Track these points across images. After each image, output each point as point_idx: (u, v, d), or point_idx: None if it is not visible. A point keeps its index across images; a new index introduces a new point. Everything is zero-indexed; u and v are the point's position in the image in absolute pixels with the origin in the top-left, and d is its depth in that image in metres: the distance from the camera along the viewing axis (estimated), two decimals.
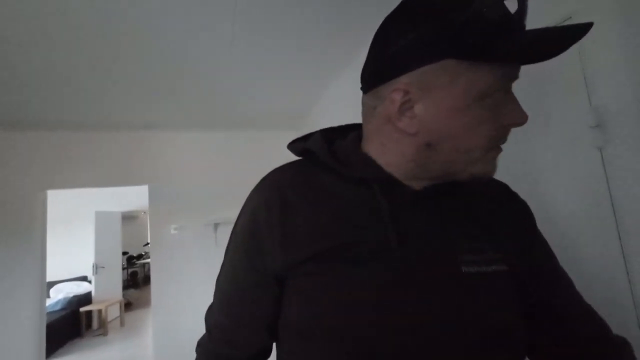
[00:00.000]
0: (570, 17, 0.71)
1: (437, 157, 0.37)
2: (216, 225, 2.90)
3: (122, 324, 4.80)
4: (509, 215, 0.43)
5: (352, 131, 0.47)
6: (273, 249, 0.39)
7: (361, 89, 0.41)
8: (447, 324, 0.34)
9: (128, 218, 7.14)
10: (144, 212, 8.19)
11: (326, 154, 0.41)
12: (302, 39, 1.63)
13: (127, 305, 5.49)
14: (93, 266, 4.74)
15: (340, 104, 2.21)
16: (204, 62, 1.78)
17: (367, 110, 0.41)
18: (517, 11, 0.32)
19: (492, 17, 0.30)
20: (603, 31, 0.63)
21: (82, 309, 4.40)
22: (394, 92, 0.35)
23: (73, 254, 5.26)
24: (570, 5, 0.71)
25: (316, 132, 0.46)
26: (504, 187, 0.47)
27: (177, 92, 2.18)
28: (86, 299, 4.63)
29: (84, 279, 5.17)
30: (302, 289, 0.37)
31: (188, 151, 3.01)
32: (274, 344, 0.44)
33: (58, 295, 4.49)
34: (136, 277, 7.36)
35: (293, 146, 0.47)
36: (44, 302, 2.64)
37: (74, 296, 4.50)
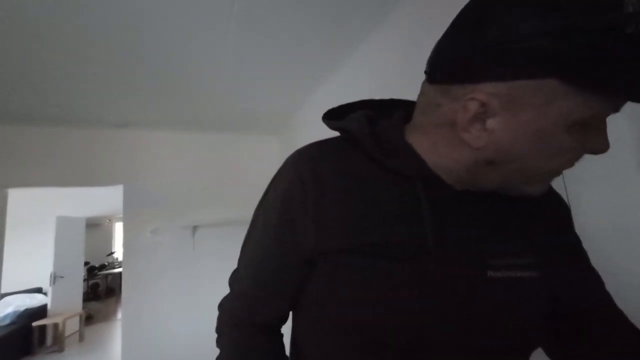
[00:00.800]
0: None
1: (496, 175, 0.34)
2: (194, 229, 2.81)
3: (81, 338, 4.40)
4: (546, 213, 0.40)
5: (397, 109, 0.43)
6: (306, 232, 0.38)
7: (425, 72, 0.35)
8: (462, 327, 0.33)
9: (91, 226, 6.67)
10: (109, 220, 7.69)
11: (369, 140, 0.38)
12: (289, 42, 1.64)
13: (88, 319, 5.06)
14: (51, 276, 4.35)
15: (326, 109, 2.26)
16: (186, 60, 1.74)
17: (429, 103, 0.35)
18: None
19: (630, 33, 0.23)
20: None
21: (34, 324, 3.99)
22: (470, 100, 0.30)
23: (27, 263, 4.80)
24: None
25: (357, 105, 0.44)
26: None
27: (155, 90, 2.11)
28: (40, 312, 4.21)
29: (38, 290, 4.71)
30: (332, 279, 0.37)
31: (166, 151, 2.92)
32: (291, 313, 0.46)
33: (6, 309, 4.05)
34: (97, 289, 6.83)
35: (329, 121, 0.44)
36: None
37: (26, 309, 4.08)
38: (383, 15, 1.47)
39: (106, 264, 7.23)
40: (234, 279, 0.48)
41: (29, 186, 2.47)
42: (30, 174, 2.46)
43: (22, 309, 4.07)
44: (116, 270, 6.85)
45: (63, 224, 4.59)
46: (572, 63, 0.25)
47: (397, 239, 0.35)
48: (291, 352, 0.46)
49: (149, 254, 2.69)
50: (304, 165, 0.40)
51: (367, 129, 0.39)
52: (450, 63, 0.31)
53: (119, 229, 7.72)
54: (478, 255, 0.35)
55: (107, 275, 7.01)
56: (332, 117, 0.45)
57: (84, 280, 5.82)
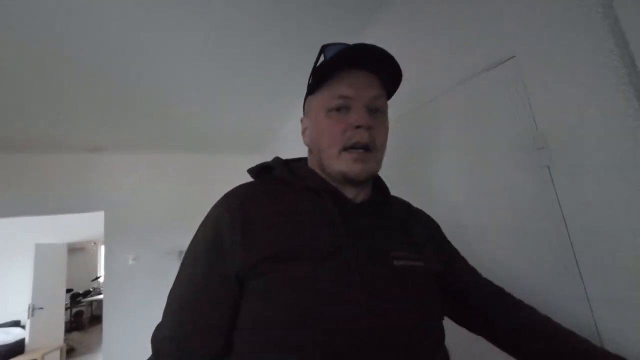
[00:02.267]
0: (514, 56, 0.78)
1: (318, 159, 0.53)
2: (180, 253, 2.70)
3: None
4: (419, 225, 0.58)
5: (304, 159, 0.60)
6: (234, 249, 0.43)
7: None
8: (390, 302, 0.42)
9: (74, 250, 6.40)
10: (94, 243, 7.41)
11: (283, 167, 0.54)
12: (270, 56, 1.57)
13: (69, 352, 4.78)
14: (29, 308, 4.11)
15: None
16: (162, 79, 1.67)
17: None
18: (338, 54, 0.48)
19: (322, 64, 0.51)
20: (545, 68, 0.72)
21: None
22: (301, 123, 0.59)
23: (4, 295, 4.54)
24: (515, 45, 0.78)
25: (273, 159, 0.58)
26: (407, 205, 0.64)
27: (131, 112, 2.02)
28: (17, 348, 3.95)
29: (16, 324, 4.44)
30: (265, 286, 0.41)
31: (146, 174, 2.84)
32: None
33: None
34: (81, 318, 6.48)
35: (252, 169, 0.57)
36: None
37: (1, 346, 3.82)
38: (364, 24, 1.40)
39: (91, 289, 6.90)
40: (157, 332, 0.46)
41: (6, 216, 2.35)
42: (6, 203, 2.34)
43: None
44: (101, 296, 6.55)
45: (43, 251, 4.39)
46: (309, 87, 0.54)
47: (318, 241, 0.43)
48: None
49: (131, 282, 2.57)
50: (229, 199, 0.48)
51: (282, 164, 0.55)
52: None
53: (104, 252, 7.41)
54: (383, 250, 0.46)
55: (91, 302, 6.69)
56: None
57: (67, 308, 5.54)
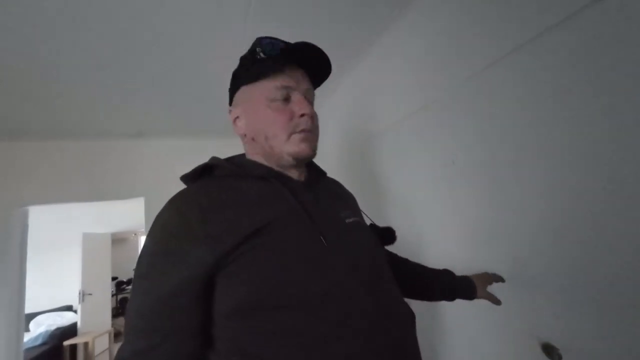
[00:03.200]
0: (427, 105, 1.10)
1: (263, 146, 0.55)
2: None
3: (111, 357, 4.33)
4: (348, 197, 0.71)
5: (238, 156, 0.63)
6: (199, 250, 0.43)
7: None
8: (355, 250, 0.51)
9: (117, 241, 6.71)
10: (135, 234, 7.75)
11: (227, 164, 0.54)
12: (309, 33, 1.41)
13: (117, 336, 5.01)
14: (79, 294, 4.32)
15: (343, 110, 2.03)
16: (202, 61, 1.57)
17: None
18: (285, 47, 0.54)
19: (261, 55, 0.54)
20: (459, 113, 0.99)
21: (65, 343, 3.95)
22: (230, 113, 0.61)
23: (56, 281, 4.82)
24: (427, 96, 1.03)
25: (209, 159, 0.59)
26: (337, 182, 0.73)
27: (172, 95, 1.95)
28: (71, 331, 4.18)
29: (68, 308, 4.71)
30: (240, 270, 0.43)
31: (188, 160, 2.76)
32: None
33: (38, 328, 4.04)
34: (126, 304, 6.82)
35: (187, 175, 0.58)
36: (21, 337, 2.28)
37: (57, 328, 4.05)
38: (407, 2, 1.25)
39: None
40: (121, 353, 0.43)
41: (49, 203, 2.38)
42: (49, 191, 2.36)
43: (53, 328, 4.05)
44: None
45: (89, 240, 4.58)
46: (243, 76, 0.58)
47: (278, 215, 0.47)
48: None
49: None
50: (177, 202, 0.49)
51: (222, 161, 0.57)
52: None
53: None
54: (333, 212, 0.56)
55: None
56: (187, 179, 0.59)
57: (113, 295, 5.82)
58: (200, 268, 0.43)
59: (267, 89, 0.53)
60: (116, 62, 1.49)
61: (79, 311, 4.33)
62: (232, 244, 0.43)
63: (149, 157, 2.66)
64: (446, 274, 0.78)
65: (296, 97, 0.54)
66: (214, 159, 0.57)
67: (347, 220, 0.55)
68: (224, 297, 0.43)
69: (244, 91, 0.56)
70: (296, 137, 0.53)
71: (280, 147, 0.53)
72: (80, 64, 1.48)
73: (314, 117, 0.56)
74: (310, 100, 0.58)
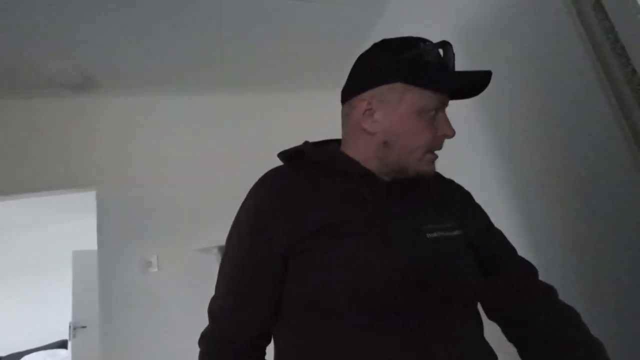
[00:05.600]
0: None
1: (392, 154, 0.50)
2: (220, 249, 1.62)
3: None
4: (452, 194, 0.60)
5: (332, 142, 0.59)
6: (278, 233, 0.46)
7: (341, 102, 0.56)
8: (424, 272, 0.45)
9: None
10: None
11: (316, 153, 0.54)
12: None
13: None
14: (70, 327, 3.49)
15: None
16: None
17: (343, 117, 0.55)
18: (445, 57, 0.49)
19: (430, 60, 0.48)
20: None
21: None
22: (361, 102, 0.51)
23: (47, 312, 4.02)
24: None
25: (303, 143, 0.57)
26: (440, 176, 0.62)
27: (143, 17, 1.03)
28: None
29: (62, 345, 3.89)
30: (307, 263, 0.46)
31: (159, 130, 1.79)
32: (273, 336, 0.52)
33: None
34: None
35: (282, 153, 0.57)
36: None
37: None
38: None
39: None
40: (213, 304, 0.52)
41: None
42: None
43: None
44: None
45: (81, 259, 3.76)
46: (404, 74, 0.48)
47: (353, 218, 0.46)
48: None
49: (150, 302, 1.54)
50: (267, 183, 0.52)
51: (313, 148, 0.55)
52: (348, 87, 0.54)
53: None
54: (416, 224, 0.49)
55: None
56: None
57: None
58: (278, 248, 0.46)
59: (426, 98, 0.48)
60: None
61: (69, 347, 3.49)
62: (301, 235, 0.45)
63: (101, 126, 1.70)
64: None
65: (442, 115, 0.51)
66: (306, 144, 0.55)
67: (428, 235, 0.48)
68: (288, 283, 0.47)
69: (397, 88, 0.48)
70: (429, 156, 0.51)
71: (412, 162, 0.50)
72: None
73: None
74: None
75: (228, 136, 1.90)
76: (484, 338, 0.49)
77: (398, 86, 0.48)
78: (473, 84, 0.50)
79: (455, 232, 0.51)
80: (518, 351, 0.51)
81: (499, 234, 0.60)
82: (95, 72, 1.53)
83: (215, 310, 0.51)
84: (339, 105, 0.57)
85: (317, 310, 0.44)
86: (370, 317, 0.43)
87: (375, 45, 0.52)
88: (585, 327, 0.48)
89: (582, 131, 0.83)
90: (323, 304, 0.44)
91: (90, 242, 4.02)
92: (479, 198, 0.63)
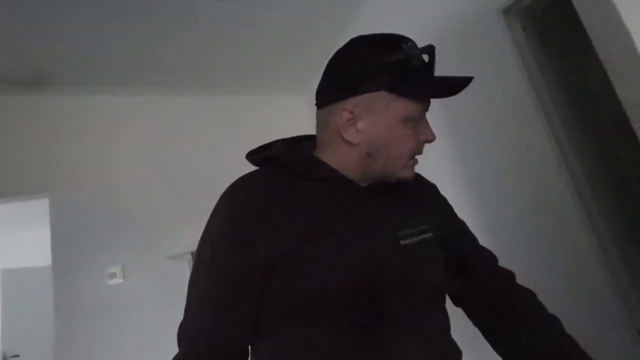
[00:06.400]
0: None
1: (375, 164, 0.49)
2: (193, 255, 1.57)
3: None
4: (426, 194, 0.60)
5: (306, 140, 0.57)
6: (257, 243, 0.44)
7: (316, 104, 0.52)
8: (398, 281, 0.46)
9: None
10: None
11: (289, 158, 0.50)
12: None
13: None
14: (1, 355, 3.04)
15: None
16: None
17: (321, 122, 0.52)
18: (429, 61, 0.47)
19: (415, 65, 0.45)
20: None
21: None
22: (343, 110, 0.47)
23: None
24: None
25: (274, 142, 0.54)
26: (416, 176, 0.59)
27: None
28: None
29: None
30: (292, 273, 0.44)
31: (124, 131, 1.69)
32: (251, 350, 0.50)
33: None
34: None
35: (252, 157, 0.54)
36: None
37: None
38: None
39: None
40: (183, 328, 0.48)
41: None
42: None
43: None
44: None
45: (12, 278, 3.30)
46: (390, 81, 0.45)
47: (333, 227, 0.46)
48: None
49: (117, 316, 1.44)
50: (241, 192, 0.49)
51: (286, 153, 0.50)
52: (326, 90, 0.50)
53: None
54: (391, 230, 0.48)
55: None
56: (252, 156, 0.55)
57: None
58: (258, 261, 0.44)
59: (412, 106, 0.47)
60: None
61: None
62: (281, 247, 0.44)
63: (55, 125, 1.55)
64: None
65: (424, 120, 0.50)
66: (277, 150, 0.51)
67: (402, 242, 0.48)
68: (267, 296, 0.46)
69: (383, 97, 0.46)
70: (411, 162, 0.50)
71: (395, 170, 0.49)
72: None
73: None
74: None
75: (197, 137, 1.86)
76: (450, 335, 0.52)
77: (383, 94, 0.46)
78: (452, 88, 0.48)
79: (428, 235, 0.52)
80: (483, 333, 0.57)
81: (462, 225, 0.63)
82: (48, 67, 1.40)
83: (188, 334, 0.47)
84: (306, 109, 0.58)
85: (296, 319, 0.44)
86: (349, 325, 0.43)
87: (353, 44, 0.49)
88: (542, 305, 0.55)
89: (516, 137, 1.00)
90: (302, 314, 0.44)
91: (22, 258, 3.55)
92: (442, 192, 0.70)
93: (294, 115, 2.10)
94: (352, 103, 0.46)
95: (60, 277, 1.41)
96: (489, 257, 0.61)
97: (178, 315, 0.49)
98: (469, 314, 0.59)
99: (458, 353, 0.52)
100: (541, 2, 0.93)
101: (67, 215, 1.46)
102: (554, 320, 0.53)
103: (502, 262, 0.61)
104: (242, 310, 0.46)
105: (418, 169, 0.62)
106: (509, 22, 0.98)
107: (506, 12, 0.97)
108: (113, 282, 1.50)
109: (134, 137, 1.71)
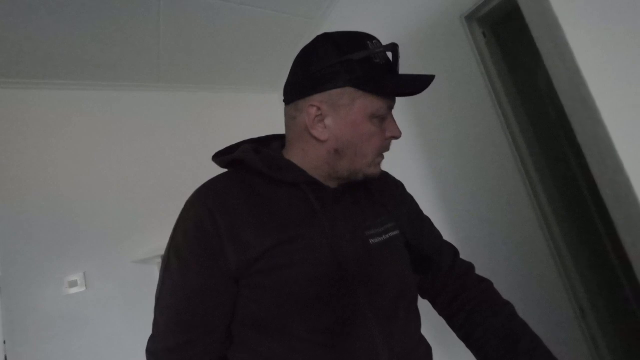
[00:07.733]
0: None
1: (343, 161, 0.49)
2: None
3: None
4: (392, 193, 0.61)
5: (274, 141, 0.57)
6: (226, 252, 0.43)
7: (283, 101, 0.52)
8: (368, 280, 0.47)
9: None
10: None
11: (258, 161, 0.49)
12: None
13: None
14: None
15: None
16: None
17: (289, 119, 0.52)
18: (393, 59, 0.49)
19: (379, 62, 0.47)
20: None
21: None
22: (310, 107, 0.47)
23: None
24: None
25: (242, 143, 0.54)
26: (383, 174, 0.61)
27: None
28: None
29: None
30: (264, 281, 0.44)
31: (80, 128, 1.58)
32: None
33: None
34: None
35: (219, 159, 0.53)
36: None
37: None
38: None
39: None
40: (153, 343, 0.47)
41: None
42: None
43: None
44: None
45: None
46: (355, 78, 0.46)
47: (304, 232, 0.46)
48: None
49: (81, 328, 1.35)
50: (207, 198, 0.47)
51: (254, 155, 0.50)
52: (293, 87, 0.50)
53: None
54: (360, 231, 0.50)
55: None
56: (219, 157, 0.54)
57: None
58: (228, 270, 0.44)
59: (377, 103, 0.47)
60: None
61: None
62: (251, 256, 0.43)
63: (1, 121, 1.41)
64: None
65: (390, 117, 0.51)
66: (244, 153, 0.50)
67: (371, 241, 0.50)
68: (239, 305, 0.46)
69: (348, 93, 0.47)
70: (378, 160, 0.51)
71: (362, 167, 0.50)
72: None
73: None
74: None
75: (163, 135, 1.77)
76: (420, 331, 0.53)
77: (349, 90, 0.46)
78: (416, 87, 0.48)
79: (395, 232, 0.53)
80: (447, 321, 0.60)
81: (427, 222, 0.65)
82: None
83: (159, 349, 0.46)
84: (278, 106, 0.57)
85: (270, 327, 0.44)
86: (323, 333, 0.43)
87: (320, 42, 0.48)
88: (497, 293, 0.59)
89: (477, 136, 1.07)
90: (276, 322, 0.44)
91: None
92: (409, 190, 0.71)
93: (265, 113, 2.07)
94: (318, 99, 0.47)
95: (10, 292, 1.29)
96: (450, 250, 0.63)
97: (149, 324, 0.47)
98: (434, 304, 0.62)
99: (428, 348, 0.53)
100: (501, 11, 0.99)
101: (15, 222, 1.33)
102: (507, 306, 0.57)
103: (463, 253, 0.66)
104: (212, 322, 0.45)
105: (388, 167, 0.63)
106: (472, 28, 1.04)
107: (468, 18, 1.03)
108: (74, 290, 1.40)
109: (94, 135, 1.59)
